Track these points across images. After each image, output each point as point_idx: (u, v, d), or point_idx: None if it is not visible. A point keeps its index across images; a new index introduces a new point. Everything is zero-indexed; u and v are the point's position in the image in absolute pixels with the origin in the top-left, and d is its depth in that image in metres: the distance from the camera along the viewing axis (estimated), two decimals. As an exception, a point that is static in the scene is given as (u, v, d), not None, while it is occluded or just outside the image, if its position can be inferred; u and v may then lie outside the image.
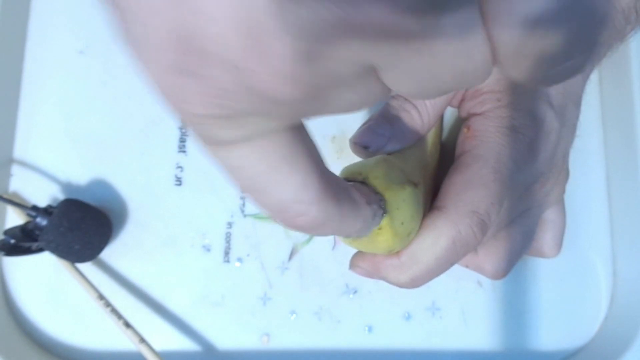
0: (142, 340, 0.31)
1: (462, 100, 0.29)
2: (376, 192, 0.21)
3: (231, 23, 0.11)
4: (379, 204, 0.21)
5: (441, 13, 0.11)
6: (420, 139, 0.29)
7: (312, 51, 0.11)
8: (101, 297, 0.32)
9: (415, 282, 0.25)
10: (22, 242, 0.31)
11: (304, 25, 0.11)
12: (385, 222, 0.21)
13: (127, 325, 0.31)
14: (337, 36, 0.11)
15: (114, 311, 0.31)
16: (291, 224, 0.16)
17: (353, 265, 0.26)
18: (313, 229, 0.17)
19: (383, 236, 0.22)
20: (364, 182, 0.22)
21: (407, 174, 0.24)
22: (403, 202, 0.22)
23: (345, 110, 0.14)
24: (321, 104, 0.13)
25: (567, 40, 0.11)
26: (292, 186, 0.15)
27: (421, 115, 0.28)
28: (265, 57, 0.11)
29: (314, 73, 0.12)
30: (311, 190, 0.16)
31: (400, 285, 0.25)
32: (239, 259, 0.35)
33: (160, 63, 0.12)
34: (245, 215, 0.35)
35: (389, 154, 0.27)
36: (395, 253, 0.24)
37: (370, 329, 0.34)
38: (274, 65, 0.11)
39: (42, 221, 0.31)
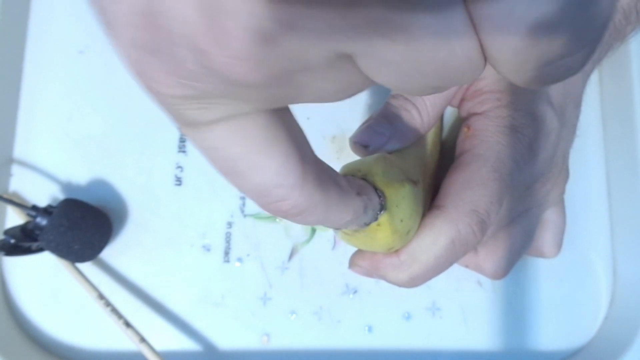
0: (143, 339, 0.31)
1: (462, 100, 0.29)
2: (375, 189, 0.21)
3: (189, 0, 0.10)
4: (379, 201, 0.21)
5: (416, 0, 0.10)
6: (420, 138, 0.29)
7: (270, 33, 0.11)
8: (101, 296, 0.32)
9: (414, 281, 0.25)
10: (22, 242, 0.31)
11: (262, 3, 0.10)
12: (384, 218, 0.21)
13: (127, 324, 0.31)
14: (297, 19, 0.10)
15: (114, 311, 0.31)
16: (273, 209, 0.16)
17: (352, 264, 0.26)
18: (296, 215, 0.16)
19: (382, 233, 0.22)
20: (363, 179, 0.22)
21: (406, 173, 0.24)
22: (402, 199, 0.22)
23: (325, 99, 0.14)
24: (292, 90, 0.13)
25: (569, 43, 0.11)
26: (271, 169, 0.15)
27: (421, 114, 0.28)
28: (223, 38, 0.11)
29: (274, 56, 0.11)
30: (292, 174, 0.15)
31: (400, 285, 0.25)
32: (239, 259, 0.35)
33: (127, 39, 0.12)
34: (245, 215, 0.35)
35: (389, 153, 0.27)
36: (394, 252, 0.24)
37: (370, 329, 0.34)
38: (231, 46, 0.11)
39: (42, 221, 0.31)
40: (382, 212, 0.21)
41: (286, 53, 0.11)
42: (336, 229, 0.22)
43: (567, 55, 0.11)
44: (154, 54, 0.12)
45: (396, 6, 0.10)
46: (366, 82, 0.13)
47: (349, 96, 0.14)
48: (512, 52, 0.11)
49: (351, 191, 0.19)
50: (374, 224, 0.21)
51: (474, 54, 0.11)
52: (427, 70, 0.11)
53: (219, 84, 0.12)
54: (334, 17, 0.10)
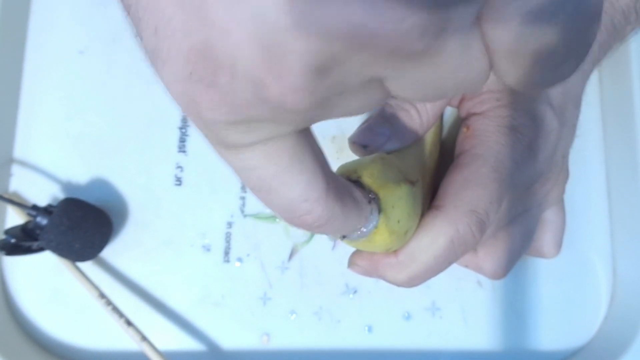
0: (144, 338, 0.31)
1: (462, 100, 0.29)
2: (370, 191, 0.21)
3: (245, 36, 0.11)
4: (375, 202, 0.21)
5: (444, 32, 0.11)
6: (419, 138, 0.29)
7: (324, 66, 0.12)
8: (102, 295, 0.32)
9: (413, 281, 0.25)
10: (23, 241, 0.31)
11: (317, 42, 0.11)
12: (380, 221, 0.21)
13: (129, 323, 0.31)
14: (348, 53, 0.11)
15: (115, 310, 0.31)
16: (297, 222, 0.17)
17: (352, 263, 0.26)
18: (318, 227, 0.17)
19: (379, 235, 0.22)
20: (357, 181, 0.22)
21: (404, 173, 0.24)
22: (399, 200, 0.22)
23: (347, 115, 0.15)
24: (328, 111, 0.14)
25: (562, 37, 0.12)
26: (300, 186, 0.16)
27: (420, 114, 0.28)
28: (279, 71, 0.12)
29: (324, 86, 0.12)
30: (317, 189, 0.16)
31: (399, 284, 0.25)
32: (239, 259, 0.35)
33: (183, 74, 0.13)
34: (245, 215, 0.35)
35: (388, 153, 0.27)
36: (393, 252, 0.24)
37: (370, 329, 0.34)
38: (287, 79, 0.12)
39: (42, 220, 0.31)
40: (378, 215, 0.21)
41: (334, 82, 0.12)
42: (339, 234, 0.22)
43: (562, 50, 0.12)
44: (210, 86, 0.13)
45: (430, 36, 0.11)
46: (387, 97, 0.14)
47: (370, 110, 0.15)
48: (509, 43, 0.12)
49: (364, 200, 0.20)
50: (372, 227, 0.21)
51: (486, 68, 0.13)
52: (448, 86, 0.13)
53: (267, 111, 0.13)
54: (378, 56, 0.11)
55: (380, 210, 0.21)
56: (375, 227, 0.21)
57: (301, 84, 0.12)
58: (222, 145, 0.15)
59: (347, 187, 0.19)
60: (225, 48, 0.12)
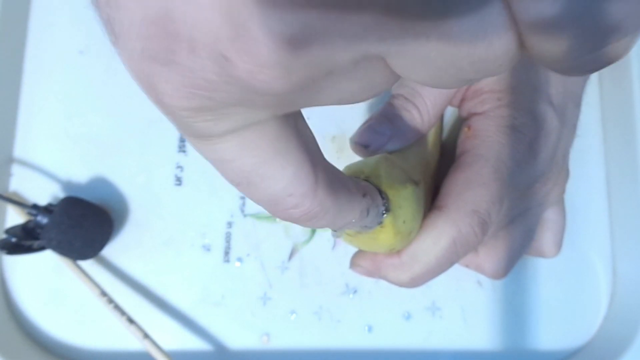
0: (146, 335, 0.31)
1: (463, 100, 0.29)
2: (379, 191, 0.21)
3: (213, 6, 0.10)
4: (382, 202, 0.21)
5: None
6: (420, 138, 0.29)
7: (300, 40, 0.10)
8: (103, 293, 0.32)
9: (415, 282, 0.25)
10: (24, 240, 0.31)
11: (287, 7, 0.09)
12: (387, 220, 0.21)
13: (131, 321, 0.31)
14: (328, 25, 0.10)
15: (117, 308, 0.31)
16: (284, 217, 0.16)
17: (354, 264, 0.26)
18: (307, 221, 0.16)
19: (385, 234, 0.22)
20: (366, 181, 0.22)
21: (407, 173, 0.24)
22: (405, 200, 0.22)
23: (345, 101, 0.13)
24: (314, 94, 0.12)
25: (612, 16, 0.10)
26: (284, 179, 0.14)
27: (421, 114, 0.28)
28: (249, 45, 0.10)
29: (303, 63, 0.10)
30: (304, 183, 0.15)
31: (401, 285, 0.25)
32: (239, 259, 0.35)
33: (136, 50, 0.11)
34: (245, 215, 0.35)
35: (390, 153, 0.27)
36: (396, 252, 0.24)
37: (370, 329, 0.34)
38: (258, 54, 0.10)
39: (42, 219, 0.31)
40: (385, 214, 0.21)
41: (314, 59, 0.10)
42: (336, 230, 0.22)
43: (610, 31, 0.10)
44: (167, 64, 0.11)
45: (433, 8, 0.09)
46: (392, 80, 0.12)
47: (372, 96, 0.13)
48: (557, 43, 0.10)
49: (358, 193, 0.19)
50: (377, 226, 0.22)
51: (512, 46, 0.11)
52: (464, 65, 0.11)
53: (238, 93, 0.11)
54: (368, 22, 0.10)
55: (387, 210, 0.21)
56: (382, 225, 0.21)
57: (272, 60, 0.10)
58: (191, 134, 0.13)
59: (341, 179, 0.17)
60: (182, 17, 0.10)
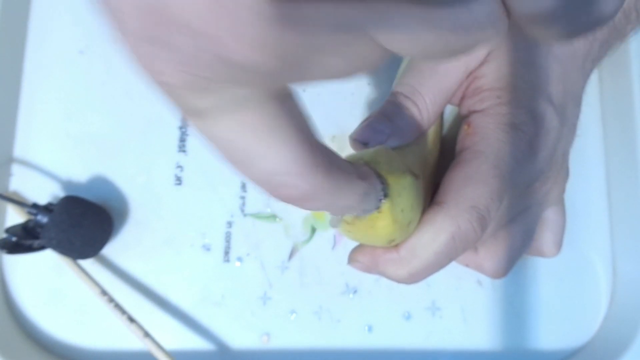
0: (147, 334, 0.31)
1: (463, 98, 0.29)
2: (379, 175, 0.21)
3: None
4: (381, 187, 0.21)
5: None
6: (420, 135, 0.29)
7: (286, 18, 0.10)
8: (104, 292, 0.32)
9: (414, 277, 0.25)
10: (24, 240, 0.31)
11: None
12: (385, 206, 0.21)
13: (131, 320, 0.31)
14: (314, 3, 0.10)
15: (117, 307, 0.31)
16: (279, 196, 0.16)
17: (352, 259, 0.26)
18: (302, 202, 0.16)
19: (383, 221, 0.22)
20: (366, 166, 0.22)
21: (407, 166, 0.24)
22: (404, 189, 0.22)
23: (336, 77, 0.13)
24: (303, 71, 0.12)
25: None
26: (279, 157, 0.15)
27: (421, 112, 0.28)
28: (235, 24, 0.10)
29: (289, 40, 0.11)
30: (299, 161, 0.15)
31: (399, 280, 0.25)
32: (239, 259, 0.35)
33: (131, 31, 0.11)
34: (245, 215, 0.35)
35: None
36: (394, 247, 0.24)
37: (370, 329, 0.34)
38: (244, 33, 0.10)
39: (43, 219, 0.31)
40: (383, 199, 0.21)
41: (302, 36, 0.11)
42: (337, 215, 0.22)
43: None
44: (159, 44, 0.11)
45: None
46: (382, 55, 0.13)
47: (362, 72, 0.13)
48: (541, 6, 0.10)
49: (356, 176, 0.19)
50: (375, 212, 0.21)
51: (494, 12, 0.11)
52: (451, 39, 0.11)
53: (227, 71, 0.12)
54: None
55: (386, 195, 0.21)
56: (379, 210, 0.21)
57: (260, 38, 0.10)
58: (189, 113, 0.14)
59: (337, 161, 0.17)
60: (178, 1, 0.10)
